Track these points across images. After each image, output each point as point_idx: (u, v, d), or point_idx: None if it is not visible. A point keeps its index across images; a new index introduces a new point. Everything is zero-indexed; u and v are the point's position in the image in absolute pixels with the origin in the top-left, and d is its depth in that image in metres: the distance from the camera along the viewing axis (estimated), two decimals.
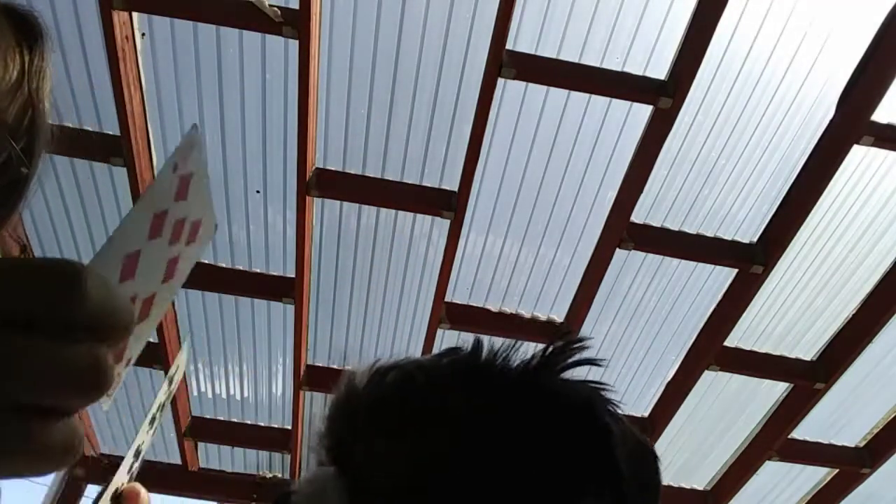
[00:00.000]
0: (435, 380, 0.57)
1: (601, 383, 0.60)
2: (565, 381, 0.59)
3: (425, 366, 0.59)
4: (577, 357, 0.59)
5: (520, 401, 0.56)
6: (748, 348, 3.31)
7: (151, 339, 3.42)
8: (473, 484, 0.52)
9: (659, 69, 2.44)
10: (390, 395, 0.57)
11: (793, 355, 3.31)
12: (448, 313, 3.22)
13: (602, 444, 0.55)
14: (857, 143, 2.44)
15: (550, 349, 0.59)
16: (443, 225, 2.89)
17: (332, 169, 2.80)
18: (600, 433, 0.55)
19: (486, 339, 0.62)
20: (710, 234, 2.92)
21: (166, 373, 3.49)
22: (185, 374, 3.63)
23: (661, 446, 3.73)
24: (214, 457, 4.23)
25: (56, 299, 0.36)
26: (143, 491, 0.69)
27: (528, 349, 0.60)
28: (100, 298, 0.37)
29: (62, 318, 0.36)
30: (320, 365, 3.57)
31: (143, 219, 0.55)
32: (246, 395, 3.88)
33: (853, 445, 3.69)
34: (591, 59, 2.46)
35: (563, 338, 0.59)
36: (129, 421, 4.01)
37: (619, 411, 0.60)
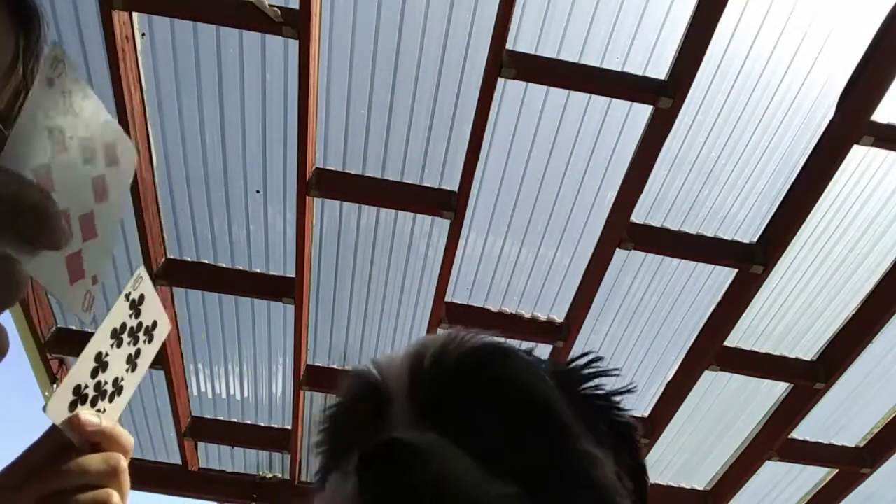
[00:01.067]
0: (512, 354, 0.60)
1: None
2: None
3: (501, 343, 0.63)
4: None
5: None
6: (748, 348, 3.31)
7: None
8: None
9: (659, 69, 2.44)
10: (485, 359, 0.59)
11: (793, 355, 3.31)
12: (448, 313, 3.22)
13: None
14: (857, 143, 2.44)
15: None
16: (443, 225, 2.89)
17: (332, 169, 2.80)
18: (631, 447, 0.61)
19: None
20: (710, 234, 2.92)
21: (166, 373, 3.51)
22: (184, 373, 3.63)
23: (661, 446, 3.73)
24: (214, 457, 4.23)
25: None
26: (125, 435, 0.68)
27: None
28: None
29: None
30: (320, 365, 3.57)
31: (36, 130, 0.58)
32: (246, 395, 3.88)
33: (853, 445, 3.69)
34: (591, 59, 2.46)
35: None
36: (129, 421, 4.01)
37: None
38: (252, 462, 4.25)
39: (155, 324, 0.80)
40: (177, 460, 4.11)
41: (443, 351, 0.58)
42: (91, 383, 0.71)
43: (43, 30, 0.72)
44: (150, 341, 0.79)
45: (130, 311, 0.76)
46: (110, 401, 0.73)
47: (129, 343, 0.76)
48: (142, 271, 0.78)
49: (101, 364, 0.72)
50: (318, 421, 0.64)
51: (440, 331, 0.65)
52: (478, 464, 0.50)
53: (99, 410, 0.72)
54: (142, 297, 0.77)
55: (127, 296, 0.75)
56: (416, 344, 0.61)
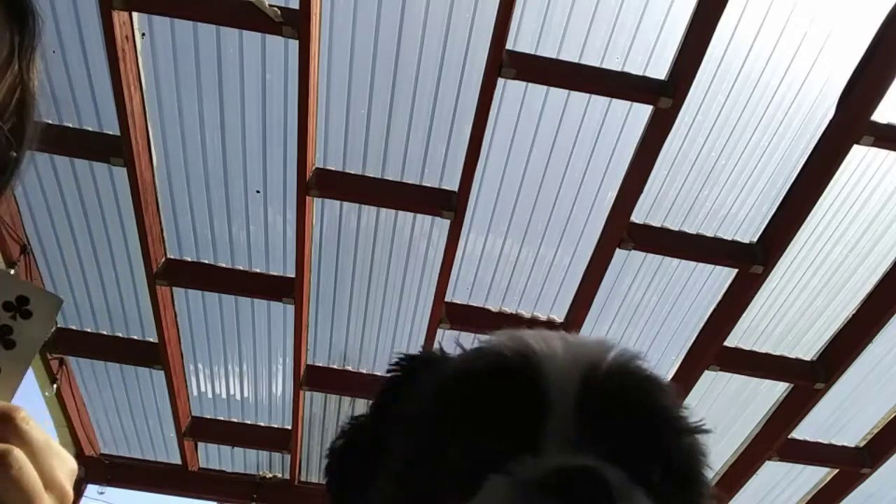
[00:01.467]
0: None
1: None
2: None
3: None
4: None
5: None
6: (748, 348, 3.31)
7: (152, 340, 3.43)
8: None
9: (659, 69, 2.44)
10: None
11: (793, 355, 3.31)
12: (448, 313, 3.22)
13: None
14: (857, 143, 2.44)
15: None
16: (443, 225, 2.89)
17: (332, 169, 2.80)
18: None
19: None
20: (710, 234, 2.92)
21: (166, 373, 3.51)
22: (184, 373, 3.63)
23: None
24: (214, 457, 4.23)
25: None
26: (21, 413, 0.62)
27: None
28: None
29: None
30: (320, 365, 3.57)
31: None
32: (246, 395, 3.88)
33: (853, 445, 3.69)
34: (591, 59, 2.46)
35: None
36: (130, 422, 4.01)
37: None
38: (252, 462, 4.25)
39: (22, 298, 0.73)
40: (177, 460, 4.11)
41: (621, 364, 0.54)
42: None
43: (38, 26, 0.72)
44: (25, 316, 0.72)
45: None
46: None
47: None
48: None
49: None
50: (435, 385, 0.54)
51: (577, 335, 0.58)
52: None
53: None
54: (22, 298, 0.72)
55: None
56: (579, 344, 0.54)
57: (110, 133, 2.68)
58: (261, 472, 4.23)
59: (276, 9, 2.29)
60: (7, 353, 0.67)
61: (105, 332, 3.51)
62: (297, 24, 2.29)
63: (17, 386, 0.68)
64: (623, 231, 2.81)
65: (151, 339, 3.43)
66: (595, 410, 0.50)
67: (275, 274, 3.19)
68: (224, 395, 3.89)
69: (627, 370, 0.54)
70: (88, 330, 3.51)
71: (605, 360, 0.53)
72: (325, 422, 3.92)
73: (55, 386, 3.59)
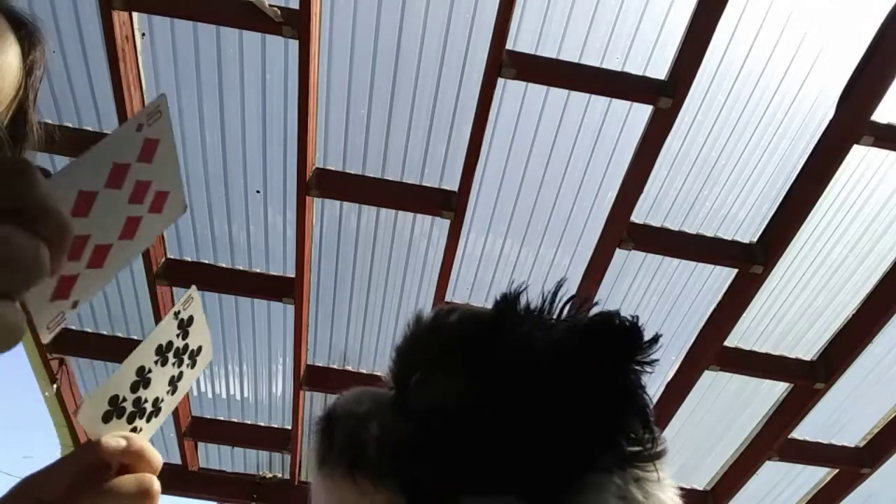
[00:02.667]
0: (488, 323, 0.61)
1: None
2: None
3: (480, 313, 0.64)
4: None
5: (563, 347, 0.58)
6: (748, 348, 3.31)
7: None
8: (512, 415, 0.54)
9: (659, 69, 2.44)
10: (452, 331, 0.61)
11: (793, 355, 3.31)
12: None
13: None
14: (857, 143, 2.44)
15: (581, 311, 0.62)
16: (443, 225, 2.89)
17: (332, 169, 2.80)
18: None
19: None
20: (710, 234, 2.92)
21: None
22: None
23: None
24: (214, 457, 4.23)
25: (9, 184, 0.39)
26: (156, 456, 0.66)
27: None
28: (45, 192, 0.41)
29: (14, 202, 0.39)
30: (320, 365, 3.57)
31: (102, 161, 0.58)
32: (246, 395, 3.88)
33: (853, 445, 3.69)
34: (591, 59, 2.46)
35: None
36: None
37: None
38: (252, 462, 4.25)
39: (200, 349, 0.76)
40: (177, 460, 4.11)
41: (421, 324, 0.64)
42: (130, 397, 0.67)
43: (43, 45, 0.75)
44: (192, 366, 0.75)
45: (178, 331, 0.72)
46: (147, 420, 0.70)
47: (173, 363, 0.72)
48: (193, 291, 0.74)
49: (143, 379, 0.69)
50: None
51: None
52: None
53: (135, 428, 0.69)
54: (191, 319, 0.74)
55: (176, 314, 0.72)
56: (416, 314, 0.66)
57: (110, 133, 2.67)
58: (261, 472, 4.23)
59: (276, 9, 2.29)
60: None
61: (105, 332, 3.51)
62: (297, 24, 2.29)
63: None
64: (623, 231, 2.81)
65: None
66: None
67: (275, 274, 3.19)
68: (224, 395, 3.89)
69: None
70: (88, 330, 3.51)
71: None
72: None
73: (55, 386, 3.59)
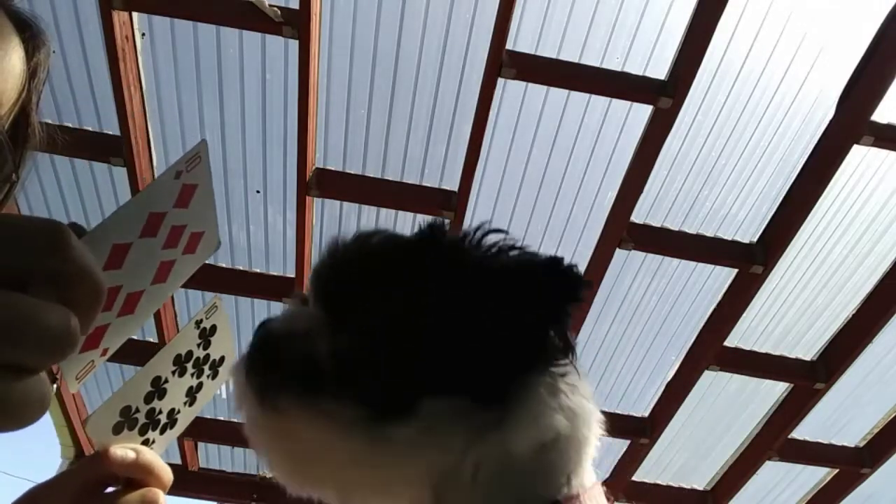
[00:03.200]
0: (411, 241, 0.68)
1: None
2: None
3: (401, 236, 0.70)
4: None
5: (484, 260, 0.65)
6: (748, 348, 3.31)
7: (153, 340, 3.42)
8: (440, 323, 0.60)
9: (659, 69, 2.44)
10: (375, 249, 0.66)
11: (793, 355, 3.31)
12: None
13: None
14: (857, 143, 2.44)
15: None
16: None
17: (332, 169, 2.80)
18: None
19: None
20: (710, 234, 2.92)
21: None
22: None
23: (661, 446, 3.73)
24: (214, 457, 4.23)
25: (43, 250, 0.37)
26: (166, 471, 0.65)
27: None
28: (80, 257, 0.39)
29: (48, 270, 0.38)
30: None
31: (138, 214, 0.58)
32: None
33: (853, 445, 3.69)
34: (591, 59, 2.46)
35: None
36: None
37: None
38: (252, 462, 4.25)
39: (223, 359, 0.74)
40: (177, 460, 4.11)
41: (342, 245, 0.68)
42: (144, 408, 0.66)
43: (47, 47, 0.74)
44: (213, 377, 0.73)
45: (199, 341, 0.71)
46: (161, 432, 0.68)
47: (192, 374, 0.71)
48: (217, 300, 0.73)
49: (158, 390, 0.67)
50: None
51: None
52: None
53: (147, 440, 0.67)
54: (213, 328, 0.72)
55: (198, 323, 0.71)
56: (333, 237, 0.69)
57: (110, 133, 2.68)
58: (261, 472, 4.24)
59: (276, 9, 2.29)
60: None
61: None
62: (297, 24, 2.29)
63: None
64: (623, 231, 2.81)
65: (151, 339, 3.42)
66: None
67: (275, 274, 3.19)
68: (224, 395, 3.89)
69: None
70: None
71: None
72: None
73: (55, 386, 3.58)
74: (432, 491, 0.60)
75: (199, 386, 0.71)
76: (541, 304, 0.63)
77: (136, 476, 0.64)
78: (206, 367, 0.72)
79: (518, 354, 0.60)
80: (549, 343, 0.63)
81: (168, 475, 0.66)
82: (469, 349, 0.58)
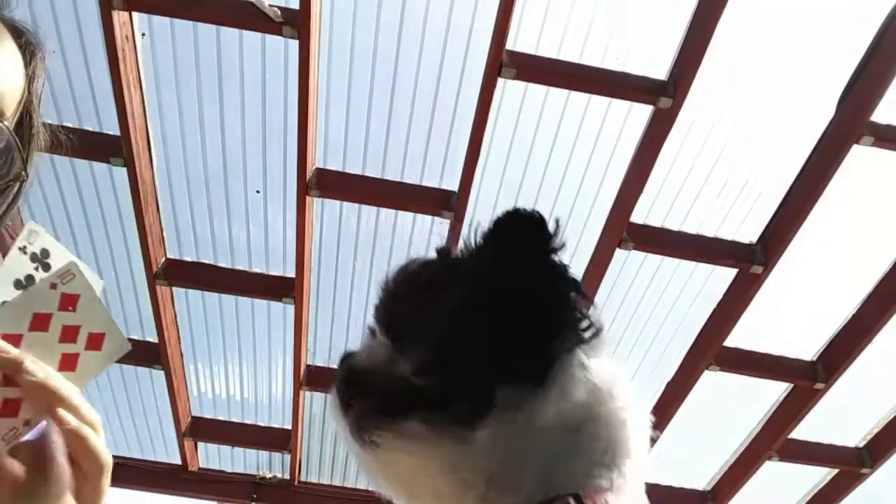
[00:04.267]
0: (446, 261, 0.77)
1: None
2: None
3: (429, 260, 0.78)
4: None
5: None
6: (748, 348, 3.31)
7: (152, 340, 3.43)
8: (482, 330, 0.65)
9: (659, 69, 2.44)
10: (415, 276, 0.75)
11: (793, 355, 3.31)
12: None
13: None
14: (857, 143, 2.44)
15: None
16: (443, 225, 2.89)
17: (332, 169, 2.80)
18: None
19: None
20: (710, 234, 2.92)
21: (166, 373, 3.51)
22: (184, 373, 3.62)
23: (661, 446, 3.73)
24: (214, 457, 4.23)
25: None
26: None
27: None
28: None
29: None
30: (320, 365, 3.57)
31: (23, 312, 0.66)
32: (246, 395, 3.87)
33: (853, 445, 3.69)
34: (591, 59, 2.46)
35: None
36: (130, 422, 4.01)
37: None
38: (252, 462, 4.25)
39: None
40: (177, 460, 4.11)
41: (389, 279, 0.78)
42: None
43: (43, 52, 0.78)
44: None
45: (35, 264, 0.73)
46: None
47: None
48: (34, 225, 0.74)
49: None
50: None
51: None
52: None
53: None
54: (45, 252, 0.74)
55: (22, 249, 0.73)
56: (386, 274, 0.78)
57: (110, 133, 2.68)
58: (261, 472, 4.23)
59: (276, 9, 2.29)
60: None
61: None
62: (297, 24, 2.29)
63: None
64: (623, 231, 2.81)
65: (151, 339, 3.42)
66: None
67: (275, 274, 3.18)
68: (224, 395, 3.89)
69: None
70: None
71: None
72: (324, 422, 3.92)
73: None
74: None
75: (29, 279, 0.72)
76: (522, 261, 0.68)
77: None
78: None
79: (540, 328, 0.64)
80: (569, 315, 0.67)
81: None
82: (502, 334, 0.64)
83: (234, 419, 3.98)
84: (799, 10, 2.34)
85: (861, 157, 2.61)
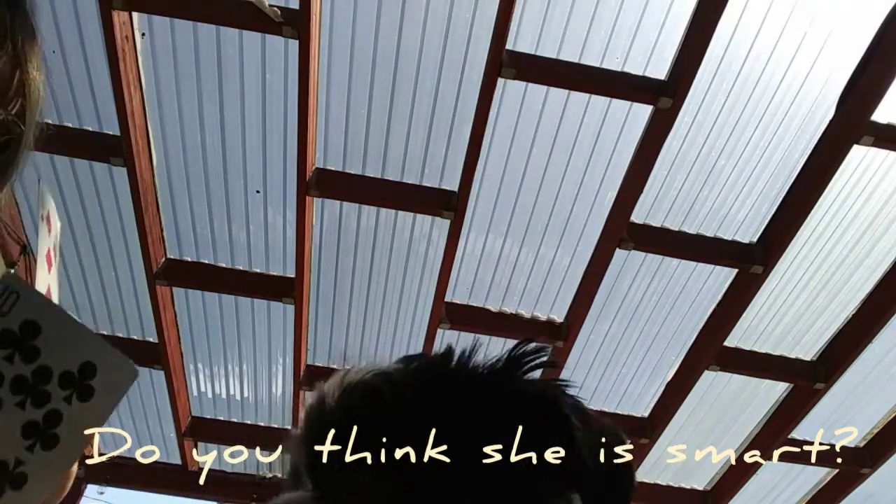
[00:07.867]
0: (401, 393, 0.62)
1: (563, 381, 0.64)
2: (528, 381, 0.63)
3: (393, 378, 0.64)
4: (539, 359, 0.64)
5: (487, 404, 0.61)
6: (748, 348, 3.31)
7: (152, 340, 3.43)
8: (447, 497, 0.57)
9: (659, 69, 2.44)
10: (359, 412, 0.60)
11: (793, 355, 3.31)
12: (448, 313, 3.22)
13: (564, 435, 0.59)
14: (857, 143, 2.44)
15: (513, 352, 0.64)
16: (443, 225, 2.89)
17: (332, 169, 2.80)
18: (562, 426, 0.59)
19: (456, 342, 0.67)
20: (710, 234, 2.92)
21: (166, 373, 3.50)
22: (184, 373, 3.62)
23: (660, 446, 3.73)
24: (214, 457, 4.22)
25: None
26: None
27: (494, 350, 0.65)
28: None
29: None
30: (320, 365, 3.57)
31: None
32: (246, 395, 3.87)
33: (853, 445, 3.69)
34: (591, 59, 2.46)
35: (527, 343, 0.64)
36: (129, 422, 4.01)
37: (582, 404, 0.63)
38: (252, 462, 4.25)
39: (87, 365, 0.63)
40: (177, 460, 4.11)
41: (325, 406, 0.67)
42: None
43: (31, 4, 0.72)
44: (82, 396, 0.62)
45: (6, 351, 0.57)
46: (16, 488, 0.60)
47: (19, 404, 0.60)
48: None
49: None
50: None
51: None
52: None
53: None
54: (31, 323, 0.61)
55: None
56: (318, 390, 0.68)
57: (110, 133, 2.68)
58: (261, 472, 4.23)
59: (276, 9, 2.29)
60: (43, 456, 0.52)
61: (105, 332, 3.51)
62: (297, 24, 2.29)
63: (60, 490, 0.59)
64: (623, 231, 2.81)
65: (151, 339, 3.42)
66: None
67: (275, 274, 3.18)
68: (224, 395, 3.89)
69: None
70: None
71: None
72: None
73: None
74: None
75: (55, 415, 0.54)
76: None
77: None
78: (51, 386, 0.53)
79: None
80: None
81: None
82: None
83: (234, 419, 3.98)
84: (799, 10, 2.34)
85: (861, 157, 2.62)
